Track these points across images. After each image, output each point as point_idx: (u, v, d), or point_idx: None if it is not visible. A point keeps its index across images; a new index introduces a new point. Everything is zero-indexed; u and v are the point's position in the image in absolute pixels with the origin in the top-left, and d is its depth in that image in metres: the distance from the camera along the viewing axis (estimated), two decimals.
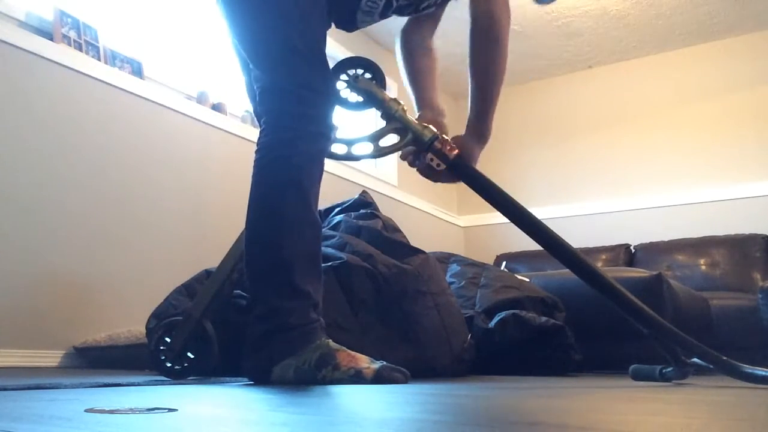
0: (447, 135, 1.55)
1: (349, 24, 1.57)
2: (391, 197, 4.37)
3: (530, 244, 1.54)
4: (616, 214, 4.81)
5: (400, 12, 1.58)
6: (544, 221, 1.53)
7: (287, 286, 1.27)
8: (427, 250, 2.02)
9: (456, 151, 1.51)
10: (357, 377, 1.20)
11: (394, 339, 1.74)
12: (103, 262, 2.59)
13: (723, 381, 1.52)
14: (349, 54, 1.61)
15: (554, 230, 1.50)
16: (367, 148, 1.53)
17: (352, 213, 2.15)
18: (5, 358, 2.22)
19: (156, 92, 2.92)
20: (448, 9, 1.67)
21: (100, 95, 2.68)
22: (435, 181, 1.62)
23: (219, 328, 1.54)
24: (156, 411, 0.69)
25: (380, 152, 1.53)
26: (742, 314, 3.34)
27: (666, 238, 4.37)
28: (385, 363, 1.25)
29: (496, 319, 2.21)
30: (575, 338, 2.24)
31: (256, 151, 1.36)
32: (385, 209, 2.32)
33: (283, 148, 1.32)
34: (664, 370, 1.54)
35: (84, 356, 2.40)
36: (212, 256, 1.57)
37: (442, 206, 5.05)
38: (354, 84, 1.53)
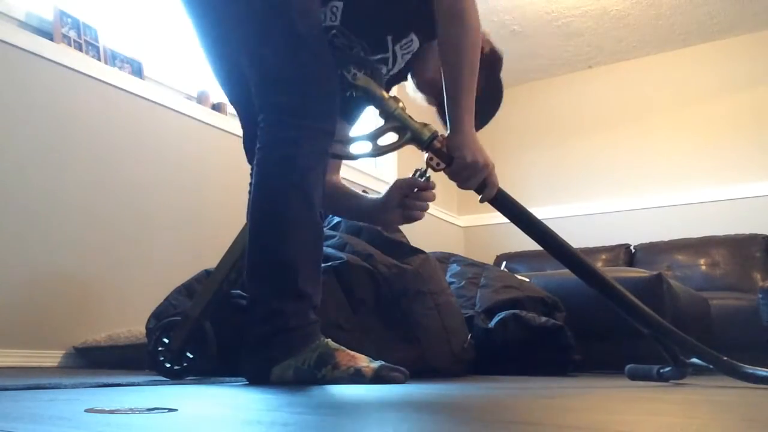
0: None
1: None
2: None
3: (530, 244, 1.54)
4: (616, 214, 4.80)
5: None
6: (544, 221, 1.53)
7: (289, 289, 1.26)
8: (427, 250, 2.02)
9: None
10: (356, 377, 1.20)
11: (394, 339, 1.74)
12: (103, 262, 2.59)
13: (722, 381, 1.52)
14: None
15: (554, 230, 1.49)
16: (365, 146, 1.49)
17: None
18: (5, 358, 2.22)
19: (156, 92, 2.92)
20: None
21: (100, 95, 2.68)
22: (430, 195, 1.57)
23: (218, 328, 1.54)
24: (156, 411, 0.69)
25: (378, 151, 1.50)
26: (742, 314, 3.34)
27: (666, 238, 4.37)
28: (384, 362, 1.24)
29: (496, 319, 2.21)
30: (575, 338, 2.24)
31: (258, 149, 1.31)
32: None
33: (288, 147, 1.28)
34: (661, 370, 1.54)
35: (84, 356, 2.40)
36: (212, 256, 1.56)
37: (442, 206, 5.05)
38: (352, 82, 1.48)
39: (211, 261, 1.55)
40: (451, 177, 1.50)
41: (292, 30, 1.30)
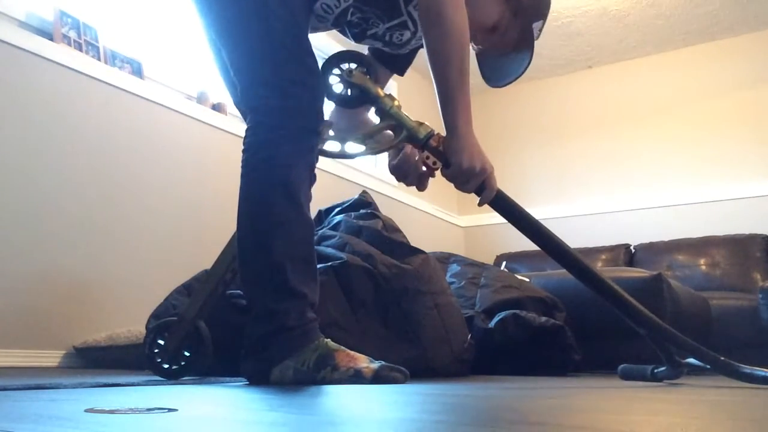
0: None
1: None
2: (391, 197, 4.36)
3: (530, 245, 1.54)
4: (616, 214, 4.80)
5: (349, 27, 1.49)
6: (544, 221, 1.53)
7: (282, 288, 1.26)
8: (427, 250, 2.02)
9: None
10: (356, 377, 1.20)
11: (394, 339, 1.74)
12: (102, 262, 2.59)
13: (720, 381, 1.51)
14: (341, 48, 1.56)
15: (554, 231, 1.49)
16: (361, 146, 1.48)
17: (352, 213, 2.15)
18: (5, 358, 2.22)
19: (156, 92, 2.92)
20: None
21: (100, 95, 2.68)
22: (425, 181, 1.54)
23: (217, 328, 1.54)
24: (156, 411, 0.69)
25: (374, 150, 1.48)
26: (742, 314, 3.34)
27: (666, 238, 4.37)
28: (384, 363, 1.24)
29: (496, 319, 2.21)
30: (575, 338, 2.24)
31: (243, 151, 1.33)
32: (385, 209, 2.32)
33: (269, 149, 1.29)
34: (656, 370, 1.53)
35: (84, 356, 2.40)
36: (212, 256, 1.57)
37: (442, 206, 5.05)
38: (347, 79, 1.48)
39: (211, 261, 1.56)
40: (448, 179, 1.49)
41: (269, 31, 1.31)
